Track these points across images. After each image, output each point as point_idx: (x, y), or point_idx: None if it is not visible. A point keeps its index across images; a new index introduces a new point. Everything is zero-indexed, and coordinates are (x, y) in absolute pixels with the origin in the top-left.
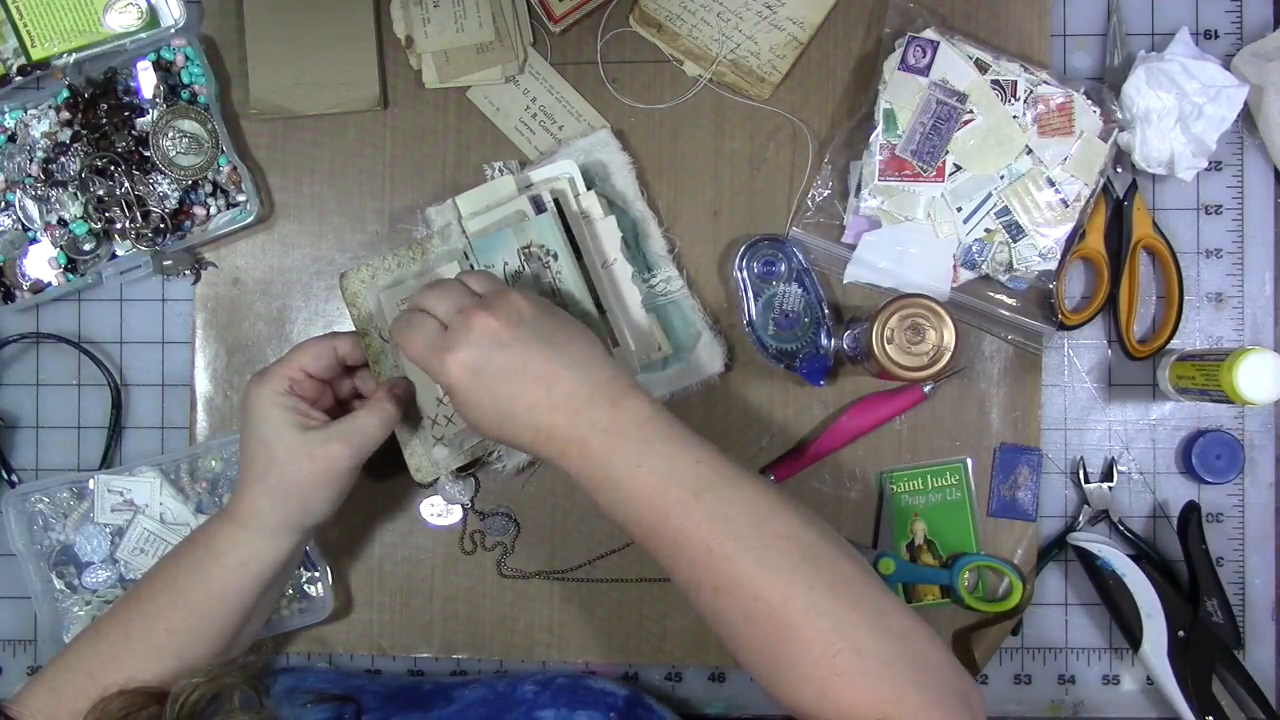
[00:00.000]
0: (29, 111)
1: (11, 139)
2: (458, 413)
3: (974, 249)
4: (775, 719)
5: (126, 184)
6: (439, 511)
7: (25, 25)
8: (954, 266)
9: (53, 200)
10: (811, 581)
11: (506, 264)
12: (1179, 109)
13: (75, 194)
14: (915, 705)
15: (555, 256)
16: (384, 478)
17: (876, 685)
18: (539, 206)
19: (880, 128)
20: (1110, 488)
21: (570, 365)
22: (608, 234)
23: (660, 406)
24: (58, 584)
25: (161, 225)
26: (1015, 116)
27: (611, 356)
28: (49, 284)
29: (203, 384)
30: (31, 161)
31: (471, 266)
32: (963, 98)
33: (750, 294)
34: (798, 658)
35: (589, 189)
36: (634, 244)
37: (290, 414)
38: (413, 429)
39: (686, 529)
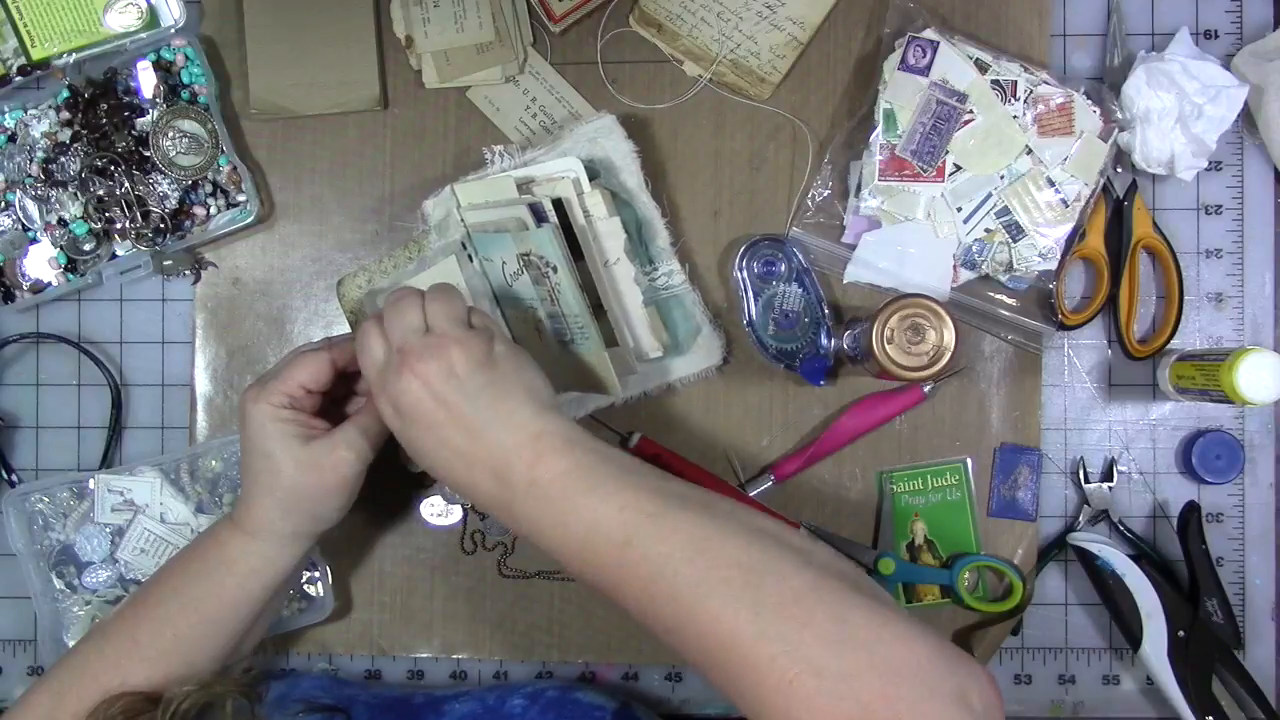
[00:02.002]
0: (29, 111)
1: (11, 139)
2: (393, 429)
3: (974, 249)
4: None
5: (126, 184)
6: (439, 511)
7: (25, 25)
8: (954, 266)
9: (53, 200)
10: (757, 606)
11: (505, 263)
12: (1179, 109)
13: (75, 194)
14: (885, 719)
15: (555, 269)
16: (384, 478)
17: (840, 705)
18: (539, 216)
19: (880, 128)
20: (1110, 488)
21: (489, 425)
22: (611, 234)
23: (586, 452)
24: (58, 584)
25: (161, 225)
26: (1015, 116)
27: (547, 406)
28: (49, 284)
29: (203, 384)
30: (31, 161)
31: (470, 257)
32: (963, 98)
33: (750, 294)
34: (757, 687)
35: (592, 181)
36: (636, 238)
37: (291, 426)
38: None
39: (623, 578)
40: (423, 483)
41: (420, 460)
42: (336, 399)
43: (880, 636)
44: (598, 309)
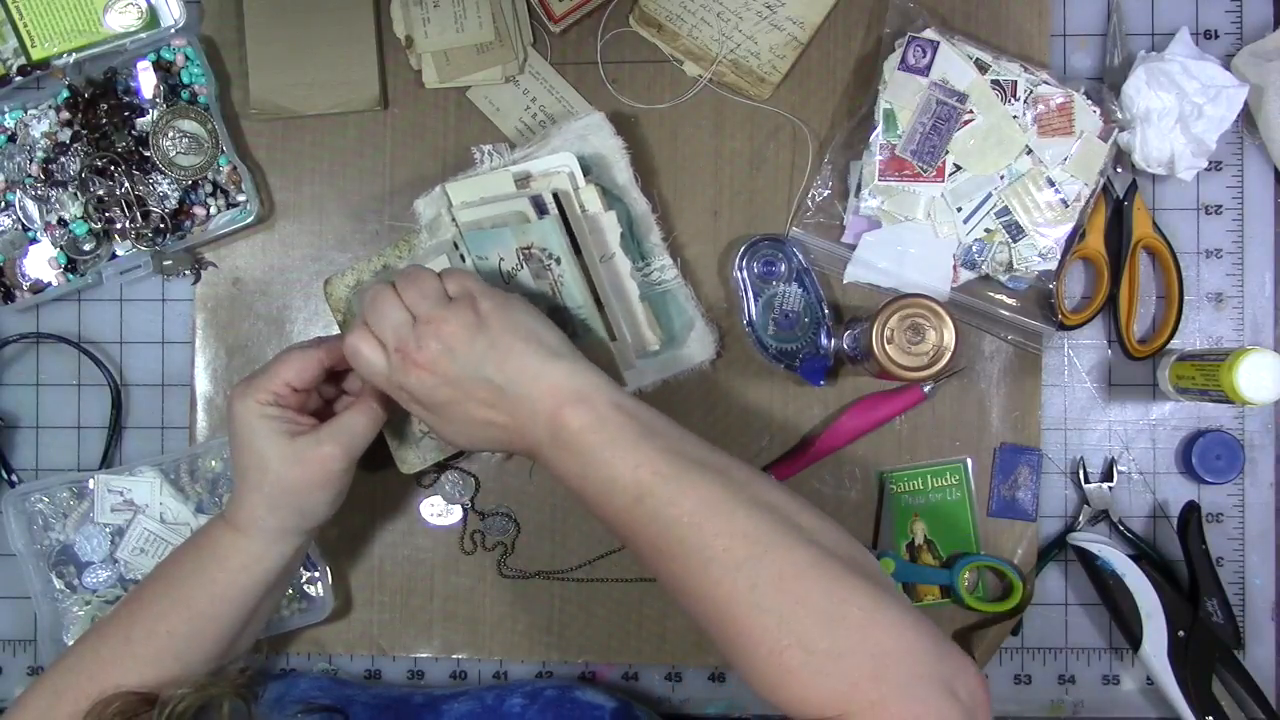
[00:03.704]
0: (29, 111)
1: (11, 139)
2: (421, 419)
3: (974, 249)
4: (775, 719)
5: (126, 184)
6: (439, 511)
7: (25, 25)
8: (954, 266)
9: (53, 200)
10: (754, 579)
11: (502, 260)
12: (1179, 109)
13: (75, 194)
14: (871, 700)
15: (558, 261)
16: (384, 478)
17: (827, 682)
18: (540, 208)
19: (880, 128)
20: (1110, 488)
21: (506, 386)
22: (607, 229)
23: (607, 407)
24: (58, 584)
25: (161, 225)
26: (1015, 116)
27: (554, 353)
28: (49, 284)
29: (203, 384)
30: (31, 161)
31: (463, 257)
32: (963, 98)
33: (750, 294)
34: (750, 653)
35: (585, 175)
36: (629, 234)
37: (277, 423)
38: (399, 422)
39: (635, 532)
40: (421, 482)
41: (455, 439)
42: (327, 400)
43: (873, 619)
44: (595, 304)
